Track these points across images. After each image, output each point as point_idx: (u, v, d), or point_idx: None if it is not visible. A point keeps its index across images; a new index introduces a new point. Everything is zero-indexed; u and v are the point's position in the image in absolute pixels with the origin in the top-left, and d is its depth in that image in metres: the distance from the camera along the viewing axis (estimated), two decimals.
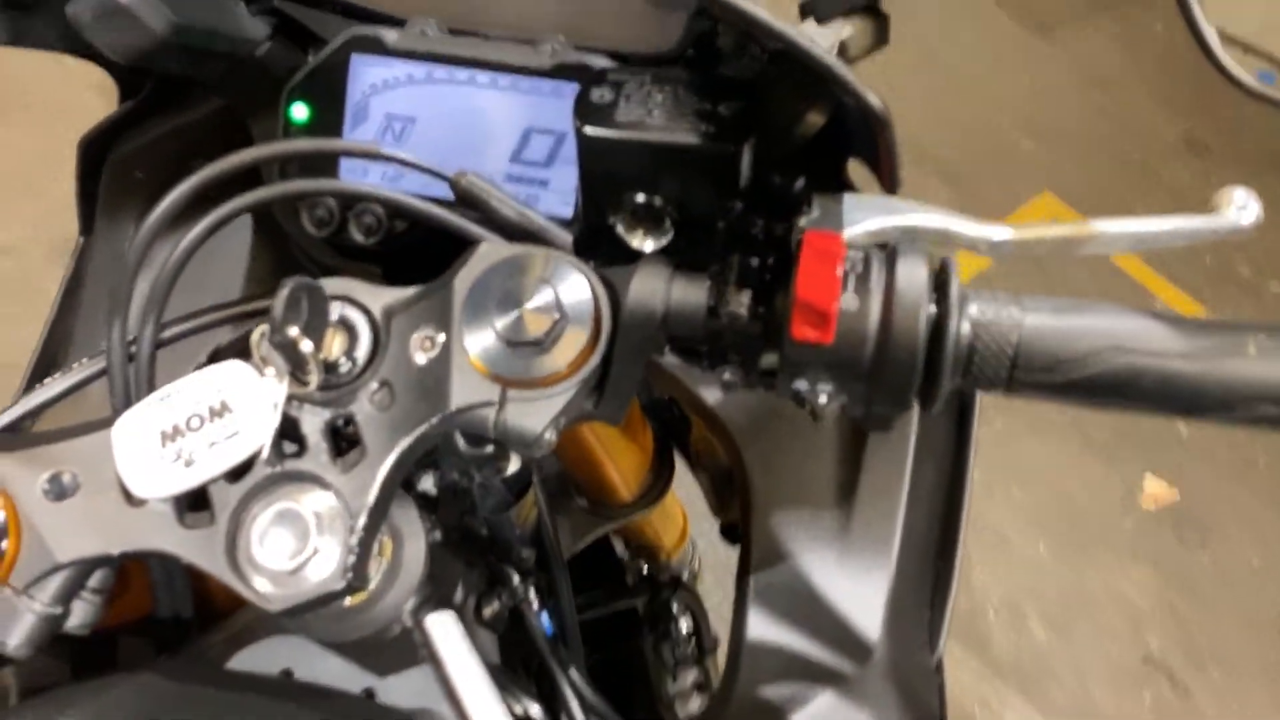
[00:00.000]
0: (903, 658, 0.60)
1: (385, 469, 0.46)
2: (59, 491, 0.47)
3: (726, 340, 0.45)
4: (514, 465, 0.58)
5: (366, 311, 0.48)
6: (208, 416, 0.46)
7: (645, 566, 1.02)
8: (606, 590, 1.01)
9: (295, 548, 0.45)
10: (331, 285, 0.48)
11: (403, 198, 0.54)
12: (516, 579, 0.63)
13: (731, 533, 0.75)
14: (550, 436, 0.45)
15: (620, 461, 0.70)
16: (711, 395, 0.65)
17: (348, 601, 0.50)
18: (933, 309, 0.43)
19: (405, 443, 0.46)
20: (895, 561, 0.62)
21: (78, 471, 0.47)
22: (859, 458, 0.64)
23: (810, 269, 0.41)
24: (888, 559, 0.62)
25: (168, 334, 0.54)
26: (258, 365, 0.46)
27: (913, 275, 0.43)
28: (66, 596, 0.47)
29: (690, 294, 0.46)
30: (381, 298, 0.49)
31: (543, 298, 0.46)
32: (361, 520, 0.45)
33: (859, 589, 0.61)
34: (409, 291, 0.49)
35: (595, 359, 0.46)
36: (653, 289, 0.46)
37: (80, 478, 0.47)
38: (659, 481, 0.78)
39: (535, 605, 0.65)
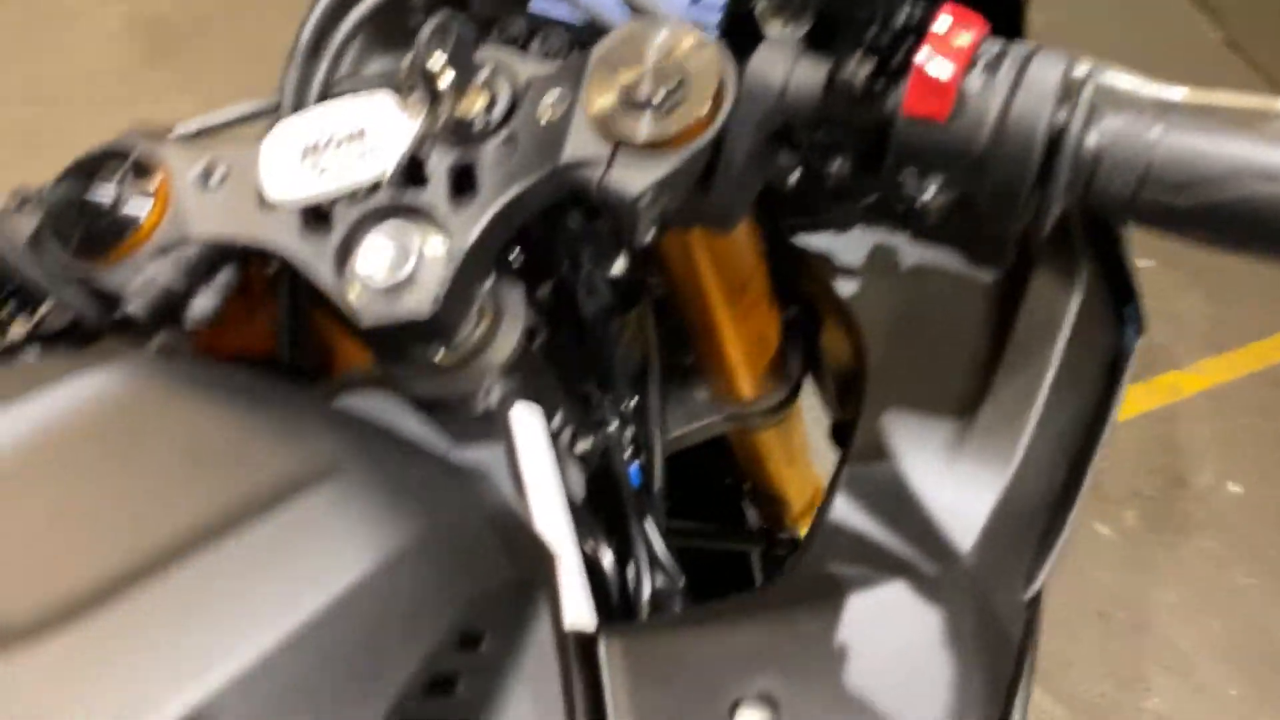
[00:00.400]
0: (991, 580, 0.55)
1: (494, 210, 0.48)
2: (207, 180, 0.52)
3: (840, 115, 0.44)
4: (620, 265, 0.58)
5: (512, 77, 0.50)
6: (345, 139, 0.50)
7: (766, 521, 0.99)
8: (722, 528, 0.98)
9: (395, 270, 0.48)
10: (484, 51, 0.51)
11: (589, 4, 0.56)
12: (615, 424, 0.63)
13: (841, 434, 0.72)
14: (647, 203, 0.45)
15: (741, 338, 0.69)
16: (846, 287, 0.63)
17: (438, 358, 0.51)
18: (1063, 113, 0.40)
19: (516, 188, 0.47)
20: (1006, 486, 0.57)
21: (229, 168, 0.52)
22: (991, 377, 0.60)
23: (937, 36, 0.39)
24: (999, 481, 0.57)
25: (337, 89, 0.58)
26: (401, 95, 0.49)
27: (1047, 70, 0.40)
28: (190, 275, 0.51)
29: (811, 72, 0.45)
30: (529, 68, 0.51)
31: (666, 62, 0.46)
32: (462, 255, 0.47)
33: (960, 501, 0.56)
34: (556, 64, 0.51)
35: (709, 132, 0.45)
36: (775, 62, 0.45)
37: (229, 174, 0.52)
38: (783, 389, 0.76)
39: (627, 456, 0.64)
